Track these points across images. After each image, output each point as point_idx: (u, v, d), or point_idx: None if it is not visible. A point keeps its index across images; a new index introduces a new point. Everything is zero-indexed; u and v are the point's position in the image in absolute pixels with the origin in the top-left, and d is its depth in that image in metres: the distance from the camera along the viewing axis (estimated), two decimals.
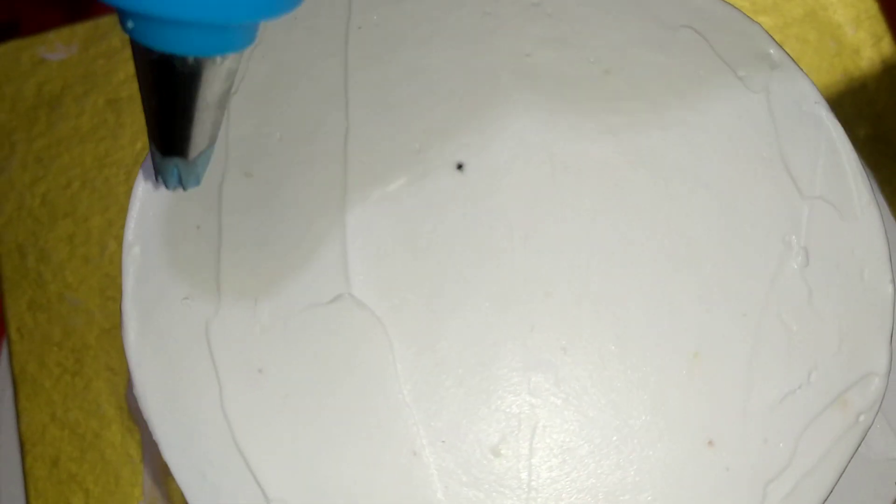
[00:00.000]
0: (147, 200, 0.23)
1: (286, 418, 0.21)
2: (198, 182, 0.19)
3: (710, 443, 0.21)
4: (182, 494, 0.21)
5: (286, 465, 0.21)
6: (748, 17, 0.24)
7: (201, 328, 0.22)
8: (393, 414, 0.21)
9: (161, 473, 0.34)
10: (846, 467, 0.21)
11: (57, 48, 0.38)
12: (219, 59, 0.17)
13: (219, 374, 0.22)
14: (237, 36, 0.16)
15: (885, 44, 0.37)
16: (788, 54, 0.23)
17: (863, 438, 0.21)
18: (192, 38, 0.16)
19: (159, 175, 0.19)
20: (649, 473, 0.21)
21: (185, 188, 0.19)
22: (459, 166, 0.23)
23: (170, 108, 0.17)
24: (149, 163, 0.23)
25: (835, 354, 0.22)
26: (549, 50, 0.24)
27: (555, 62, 0.24)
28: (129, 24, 0.16)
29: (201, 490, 0.21)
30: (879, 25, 0.38)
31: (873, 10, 0.38)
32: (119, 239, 0.36)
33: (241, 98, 0.23)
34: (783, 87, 0.23)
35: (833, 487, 0.21)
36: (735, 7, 0.24)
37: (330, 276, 0.22)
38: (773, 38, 0.23)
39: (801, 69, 0.23)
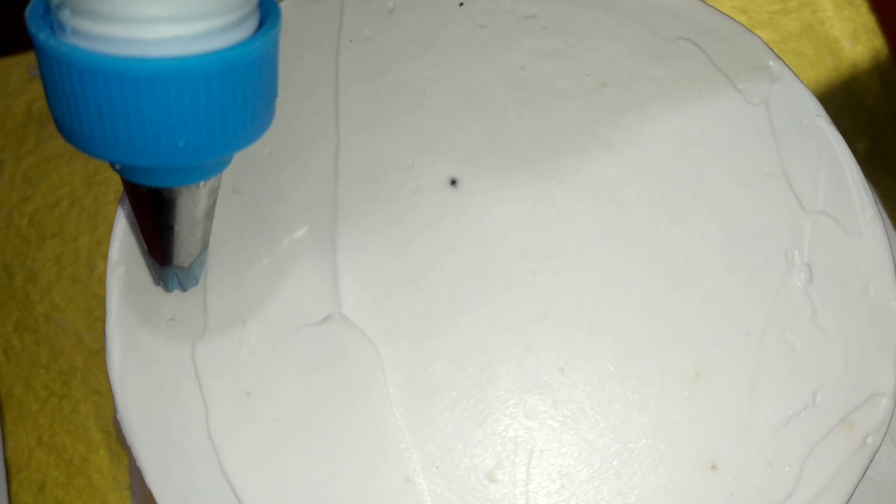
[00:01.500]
0: (132, 219, 0.22)
1: (274, 443, 0.21)
2: (196, 282, 0.21)
3: (714, 466, 0.20)
4: None
5: (274, 492, 0.20)
6: (747, 28, 0.23)
7: (187, 350, 0.21)
8: (385, 438, 0.21)
9: (150, 499, 0.33)
10: (854, 491, 0.21)
11: None
12: (201, 183, 0.18)
13: (205, 398, 0.21)
14: (214, 165, 0.18)
15: (883, 58, 0.37)
16: (788, 66, 0.23)
17: (871, 461, 0.21)
18: (173, 176, 0.17)
19: (160, 282, 0.21)
20: (651, 499, 0.20)
21: (185, 289, 0.21)
22: (453, 182, 0.22)
23: (164, 228, 0.19)
24: None
25: (840, 374, 0.21)
26: (543, 63, 0.23)
27: (550, 75, 0.23)
28: (118, 167, 0.17)
29: None
30: (877, 40, 0.37)
31: (871, 24, 0.37)
32: (107, 259, 0.35)
33: None
34: (783, 100, 0.23)
35: None
36: (733, 19, 0.23)
37: (320, 295, 0.21)
38: (773, 50, 0.23)
39: (801, 81, 0.23)
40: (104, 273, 0.35)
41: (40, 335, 0.34)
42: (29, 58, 0.38)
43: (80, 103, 0.15)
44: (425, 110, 0.23)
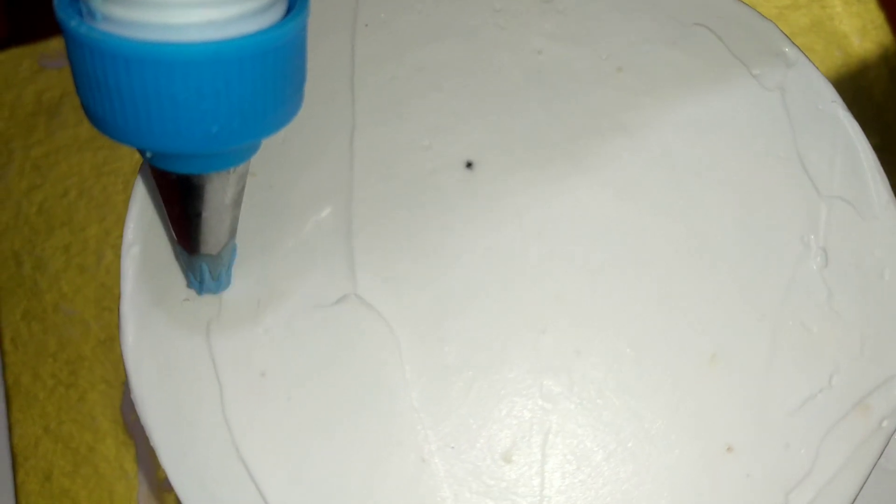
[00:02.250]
0: (147, 200, 0.22)
1: (289, 424, 0.21)
2: (227, 271, 0.21)
3: (730, 448, 0.20)
4: None
5: (289, 472, 0.20)
6: (762, 15, 0.23)
7: (202, 330, 0.21)
8: (400, 419, 0.21)
9: (156, 489, 0.33)
10: (869, 474, 0.21)
11: (57, 56, 0.38)
12: (231, 169, 0.18)
13: (220, 378, 0.21)
14: (244, 151, 0.18)
15: (892, 54, 0.37)
16: (803, 52, 0.23)
17: (886, 444, 0.21)
18: (204, 163, 0.17)
19: (189, 272, 0.21)
20: (667, 480, 0.20)
21: (214, 279, 0.21)
22: (469, 164, 0.22)
23: (192, 215, 0.19)
24: (147, 167, 0.23)
25: (856, 357, 0.21)
26: (560, 47, 0.23)
27: (566, 59, 0.23)
28: (148, 155, 0.17)
29: (200, 499, 0.20)
30: (886, 35, 0.37)
31: (879, 20, 0.37)
32: (117, 248, 0.35)
33: None
34: (799, 86, 0.23)
35: (856, 496, 0.20)
36: (748, 5, 0.23)
37: (335, 276, 0.21)
38: (788, 36, 0.23)
39: (817, 67, 0.23)
40: (112, 263, 0.35)
41: (48, 324, 0.34)
42: (39, 48, 0.38)
43: (112, 91, 0.15)
44: (441, 94, 0.23)
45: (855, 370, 0.21)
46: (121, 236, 0.22)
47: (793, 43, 0.23)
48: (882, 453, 0.21)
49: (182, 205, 0.18)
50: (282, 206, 0.22)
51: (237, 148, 0.17)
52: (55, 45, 0.38)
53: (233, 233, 0.20)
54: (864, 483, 0.21)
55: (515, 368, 0.21)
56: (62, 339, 0.34)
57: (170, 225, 0.20)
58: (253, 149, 0.18)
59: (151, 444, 0.21)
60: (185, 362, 0.21)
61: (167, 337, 0.21)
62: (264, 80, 0.16)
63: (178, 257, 0.21)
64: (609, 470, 0.20)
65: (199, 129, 0.16)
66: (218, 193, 0.18)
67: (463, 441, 0.20)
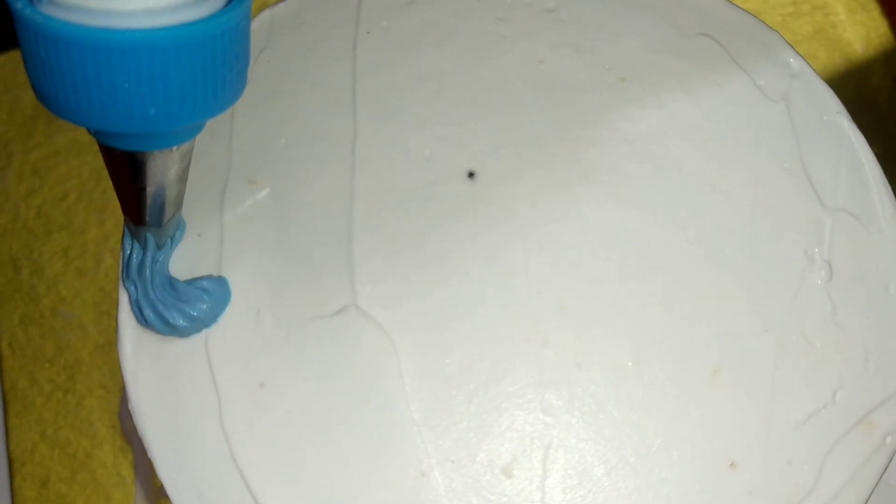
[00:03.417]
0: None
1: (288, 435, 0.20)
2: (172, 242, 0.22)
3: (732, 464, 0.20)
4: None
5: (287, 485, 0.20)
6: (766, 25, 0.23)
7: (200, 340, 0.21)
8: (400, 432, 0.20)
9: (153, 495, 0.33)
10: (872, 491, 0.20)
11: None
12: (174, 147, 0.18)
13: (218, 389, 0.21)
14: (186, 131, 0.18)
15: (895, 62, 0.37)
16: (808, 63, 0.23)
17: (890, 461, 0.21)
18: (145, 141, 0.18)
19: (135, 240, 0.21)
20: (668, 496, 0.20)
21: (159, 247, 0.21)
22: (471, 174, 0.22)
23: (137, 190, 0.19)
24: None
25: (860, 373, 0.21)
26: (563, 56, 0.23)
27: (569, 69, 0.23)
28: (93, 130, 0.18)
29: None
30: (889, 43, 0.37)
31: (883, 28, 0.37)
32: (115, 252, 0.35)
33: (245, 103, 0.23)
34: (803, 97, 0.23)
35: None
36: (753, 15, 0.23)
37: (335, 287, 0.21)
38: (793, 47, 0.23)
39: (821, 79, 0.23)
40: (111, 267, 0.35)
41: (46, 328, 0.34)
42: None
43: (55, 72, 0.16)
44: (443, 102, 0.23)
45: (859, 385, 0.21)
46: (120, 240, 0.22)
47: (797, 53, 0.23)
48: (886, 469, 0.21)
49: (127, 179, 0.19)
50: (282, 215, 0.22)
51: (178, 128, 0.18)
52: None
53: (178, 206, 0.21)
54: (868, 500, 0.20)
55: (516, 381, 0.21)
56: (60, 344, 0.34)
57: (118, 197, 0.20)
58: (196, 129, 0.18)
59: (148, 453, 0.21)
60: (183, 372, 0.21)
61: (165, 346, 0.21)
62: (202, 68, 0.16)
63: (127, 225, 0.21)
64: (610, 485, 0.20)
65: (138, 111, 0.16)
66: (161, 170, 0.19)
67: (463, 455, 0.20)
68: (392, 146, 0.22)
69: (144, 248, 0.21)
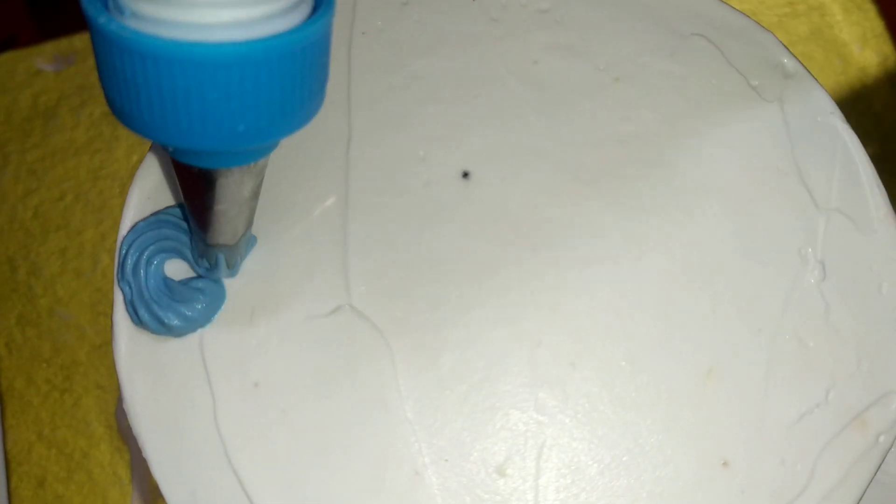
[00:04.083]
0: (142, 205, 0.22)
1: (282, 435, 0.20)
2: (242, 260, 0.21)
3: (725, 463, 0.20)
4: None
5: (281, 484, 0.20)
6: (760, 26, 0.23)
7: (195, 339, 0.21)
8: (394, 431, 0.20)
9: (150, 495, 0.33)
10: (865, 490, 0.21)
11: (54, 59, 0.38)
12: (251, 164, 0.18)
13: (213, 388, 0.21)
14: (266, 147, 0.18)
15: (892, 63, 0.37)
16: (802, 64, 0.23)
17: (882, 460, 0.21)
18: (226, 158, 0.17)
19: (204, 259, 0.21)
20: (661, 495, 0.20)
21: (230, 268, 0.21)
22: (465, 174, 0.22)
23: (213, 208, 0.19)
24: (143, 171, 0.22)
25: (853, 372, 0.21)
26: (557, 58, 0.23)
27: (563, 70, 0.23)
28: (171, 149, 0.17)
29: None
30: (886, 44, 0.37)
31: (879, 28, 0.37)
32: (112, 253, 0.35)
33: None
34: (797, 97, 0.23)
35: None
36: (747, 16, 0.23)
37: (330, 286, 0.21)
38: (787, 48, 0.23)
39: (816, 79, 0.23)
40: (108, 267, 0.35)
41: (43, 329, 0.34)
42: (35, 51, 0.38)
43: (139, 88, 0.15)
44: (438, 103, 0.23)
45: (852, 385, 0.21)
46: (116, 241, 0.22)
47: (792, 54, 0.23)
48: (879, 468, 0.21)
49: (202, 197, 0.19)
50: (277, 216, 0.22)
51: (261, 144, 0.17)
52: (52, 48, 0.38)
53: (250, 224, 0.20)
54: (861, 499, 0.20)
55: (510, 381, 0.21)
56: (57, 344, 0.34)
57: (189, 215, 0.20)
58: (275, 145, 0.18)
59: (143, 453, 0.21)
60: (178, 372, 0.21)
61: (160, 346, 0.21)
62: (291, 80, 0.16)
63: (193, 246, 0.21)
64: (604, 484, 0.20)
65: (226, 127, 0.16)
66: (238, 187, 0.18)
67: (457, 454, 0.20)
68: (386, 146, 0.22)
69: (215, 267, 0.21)
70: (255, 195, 0.19)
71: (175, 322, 0.21)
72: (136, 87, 0.15)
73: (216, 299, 0.21)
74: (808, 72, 0.23)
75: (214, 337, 0.21)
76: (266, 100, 0.16)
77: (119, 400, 0.34)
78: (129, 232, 0.22)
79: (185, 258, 0.21)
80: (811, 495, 0.20)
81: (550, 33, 0.23)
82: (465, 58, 0.23)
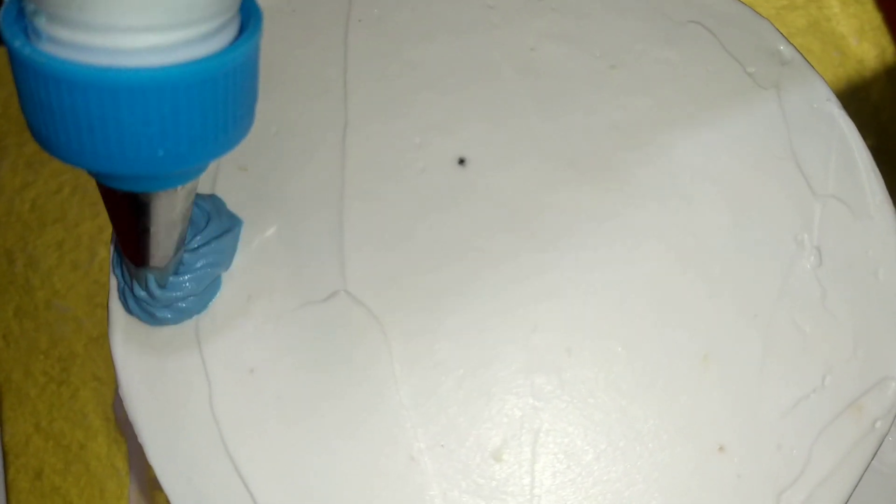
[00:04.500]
0: None
1: (278, 421, 0.20)
2: (170, 282, 0.21)
3: (721, 448, 0.20)
4: None
5: (277, 470, 0.20)
6: (757, 13, 0.23)
7: (191, 326, 0.21)
8: (390, 417, 0.20)
9: (147, 486, 0.33)
10: (862, 476, 0.21)
11: None
12: (179, 187, 0.17)
13: (208, 374, 0.21)
14: (193, 171, 0.17)
15: (889, 55, 0.37)
16: (798, 51, 0.23)
17: (879, 446, 0.21)
18: (150, 183, 0.17)
19: (136, 281, 0.20)
20: (657, 480, 0.20)
21: (161, 286, 0.20)
22: (461, 161, 0.22)
23: (140, 231, 0.18)
24: None
25: (849, 358, 0.21)
26: (553, 45, 0.23)
27: (559, 57, 0.23)
28: (94, 171, 0.17)
29: (188, 496, 0.20)
30: (883, 37, 0.37)
31: (877, 21, 0.37)
32: (109, 245, 0.35)
33: None
34: (794, 84, 0.23)
35: (849, 497, 0.20)
36: (743, 3, 0.23)
37: (326, 272, 0.21)
38: (783, 34, 0.23)
39: (812, 66, 0.23)
40: (105, 259, 0.35)
41: (40, 321, 0.34)
42: None
43: (55, 112, 0.15)
44: (434, 91, 0.23)
45: (848, 371, 0.21)
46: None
47: (788, 41, 0.23)
48: (875, 455, 0.21)
49: (129, 220, 0.18)
50: (272, 202, 0.22)
51: (185, 169, 0.17)
52: None
53: (180, 246, 0.20)
54: (857, 484, 0.20)
55: (506, 367, 0.21)
56: (54, 336, 0.34)
57: (118, 239, 0.20)
58: (202, 168, 0.18)
59: (139, 441, 0.21)
60: (174, 358, 0.21)
61: (156, 333, 0.21)
62: (213, 105, 0.15)
63: (122, 267, 0.21)
64: (600, 469, 0.20)
65: (146, 152, 0.15)
66: (166, 210, 0.18)
67: (452, 439, 0.20)
68: (383, 133, 0.22)
69: (145, 288, 0.20)
70: (185, 217, 0.19)
71: (167, 315, 0.21)
72: (51, 112, 0.15)
73: (210, 288, 0.21)
74: (805, 59, 0.23)
75: (210, 323, 0.21)
76: (186, 125, 0.15)
77: (116, 392, 0.34)
78: None
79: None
80: (807, 481, 0.20)
81: (546, 21, 0.23)
82: (461, 45, 0.23)
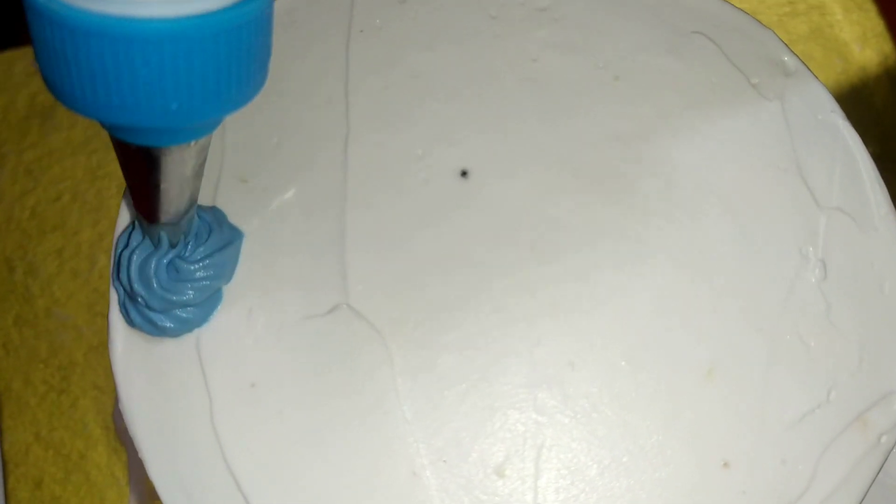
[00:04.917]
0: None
1: (279, 436, 0.20)
2: (185, 239, 0.21)
3: (726, 464, 0.20)
4: None
5: (278, 485, 0.20)
6: (761, 23, 0.23)
7: (192, 339, 0.21)
8: (392, 431, 0.20)
9: (147, 496, 0.32)
10: (868, 490, 0.20)
11: None
12: (192, 142, 0.17)
13: (209, 388, 0.21)
14: (206, 125, 0.17)
15: (892, 62, 0.37)
16: (803, 61, 0.23)
17: (885, 460, 0.20)
18: (164, 136, 0.17)
19: (147, 237, 0.20)
20: (661, 496, 0.20)
21: (172, 246, 0.20)
22: (464, 173, 0.22)
23: (152, 186, 0.18)
24: None
25: (854, 372, 0.21)
26: (556, 55, 0.23)
27: (562, 68, 0.23)
28: (107, 124, 0.17)
29: None
30: (886, 43, 0.37)
31: (880, 28, 0.37)
32: (110, 253, 0.35)
33: None
34: (798, 95, 0.22)
35: None
36: (747, 14, 0.23)
37: (327, 286, 0.21)
38: (787, 45, 0.23)
39: (816, 77, 0.22)
40: (105, 267, 0.35)
41: (40, 329, 0.34)
42: (33, 51, 0.38)
43: (70, 62, 0.15)
44: (436, 101, 0.23)
45: (853, 385, 0.21)
46: (113, 241, 0.22)
47: (792, 52, 0.23)
48: (881, 469, 0.20)
49: (142, 175, 0.18)
50: (274, 213, 0.22)
51: (200, 123, 0.17)
52: None
53: (193, 202, 0.20)
54: (863, 500, 0.20)
55: (509, 381, 0.21)
56: (54, 345, 0.34)
57: (130, 193, 0.20)
58: (215, 123, 0.18)
59: (139, 454, 0.21)
60: (174, 372, 0.21)
61: (156, 346, 0.21)
62: (227, 58, 0.15)
63: (139, 222, 0.21)
64: (603, 485, 0.20)
65: (160, 104, 0.15)
66: (178, 165, 0.18)
67: (455, 455, 0.20)
68: (385, 144, 0.22)
69: (157, 246, 0.20)
70: (198, 174, 0.19)
71: (168, 325, 0.21)
72: (66, 62, 0.15)
73: (212, 299, 0.21)
74: (809, 69, 0.23)
75: (211, 337, 0.21)
76: (200, 78, 0.15)
77: (116, 401, 0.33)
78: (123, 231, 0.21)
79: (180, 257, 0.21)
80: (813, 496, 0.20)
81: (549, 31, 0.23)
82: (464, 55, 0.23)
